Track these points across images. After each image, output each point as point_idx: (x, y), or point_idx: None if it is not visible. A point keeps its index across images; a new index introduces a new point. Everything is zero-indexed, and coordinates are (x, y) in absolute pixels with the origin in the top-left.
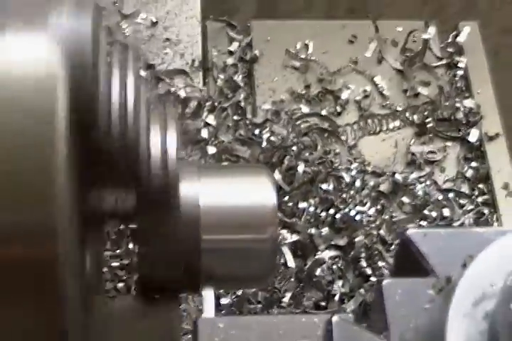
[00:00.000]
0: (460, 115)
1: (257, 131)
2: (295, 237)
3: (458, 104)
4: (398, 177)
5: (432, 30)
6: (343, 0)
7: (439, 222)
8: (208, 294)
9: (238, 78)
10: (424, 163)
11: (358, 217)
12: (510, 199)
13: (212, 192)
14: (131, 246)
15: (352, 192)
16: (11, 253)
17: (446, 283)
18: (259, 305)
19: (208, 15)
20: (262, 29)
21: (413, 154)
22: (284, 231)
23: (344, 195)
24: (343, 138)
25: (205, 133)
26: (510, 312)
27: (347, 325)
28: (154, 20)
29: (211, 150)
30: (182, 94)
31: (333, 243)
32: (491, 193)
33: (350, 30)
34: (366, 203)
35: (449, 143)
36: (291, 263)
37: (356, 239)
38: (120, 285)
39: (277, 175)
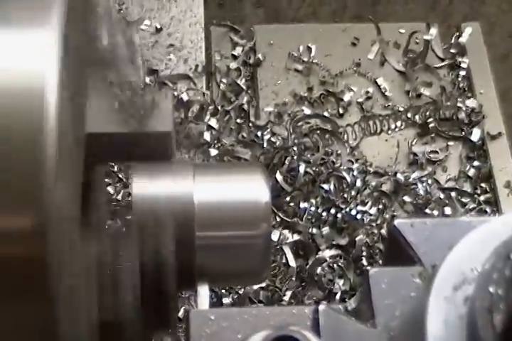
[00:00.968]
0: (462, 115)
1: (259, 133)
2: (296, 237)
3: (460, 104)
4: (400, 176)
5: (433, 31)
6: (350, 7)
7: None
8: (203, 289)
9: (241, 82)
10: (426, 162)
11: (359, 217)
12: None
13: (207, 190)
14: None
15: (353, 192)
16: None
17: (432, 272)
18: (261, 304)
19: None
20: (265, 33)
21: (415, 154)
22: (285, 231)
23: (345, 195)
24: (345, 139)
25: (207, 137)
26: (488, 296)
27: (333, 313)
28: (158, 26)
29: (213, 152)
30: (185, 97)
31: (334, 242)
32: (493, 192)
33: (352, 33)
34: (367, 203)
35: (451, 143)
36: (292, 262)
37: (357, 238)
38: None
39: (279, 176)
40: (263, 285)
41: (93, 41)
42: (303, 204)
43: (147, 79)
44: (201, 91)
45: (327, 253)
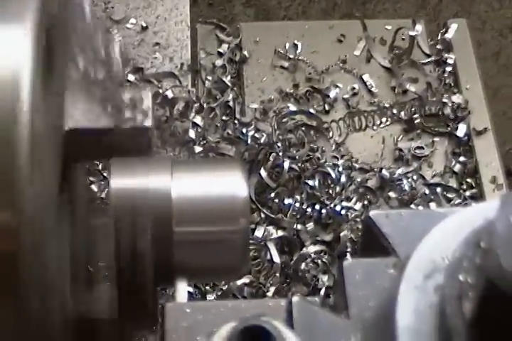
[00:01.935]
0: (448, 110)
1: (244, 130)
2: (281, 233)
3: (446, 100)
4: (385, 172)
5: (419, 27)
6: (340, 5)
7: None
8: (181, 284)
9: (227, 79)
10: (411, 158)
11: (343, 212)
12: (499, 192)
13: (184, 185)
14: None
15: (338, 188)
16: None
17: (403, 262)
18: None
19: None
20: (251, 30)
21: (401, 150)
22: (270, 228)
23: (330, 191)
24: (330, 135)
25: (192, 134)
26: (458, 284)
27: (307, 305)
28: (144, 25)
29: (198, 149)
30: (169, 94)
31: (319, 238)
32: (479, 187)
33: (338, 30)
34: (352, 199)
35: (437, 139)
36: (277, 258)
37: (342, 234)
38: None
39: (263, 172)
40: (247, 281)
41: (69, 37)
42: (287, 201)
43: (132, 78)
44: (186, 89)
45: (311, 249)
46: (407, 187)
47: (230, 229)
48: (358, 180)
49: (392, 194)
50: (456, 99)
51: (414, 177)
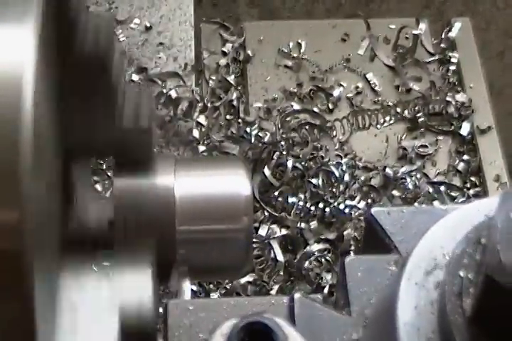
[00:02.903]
0: (452, 109)
1: (248, 129)
2: (285, 232)
3: (449, 99)
4: (389, 171)
5: (422, 26)
6: (344, 5)
7: None
8: (184, 282)
9: (231, 78)
10: (415, 157)
11: (347, 211)
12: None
13: (187, 184)
14: None
15: (342, 186)
16: None
17: (404, 258)
18: None
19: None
20: (254, 30)
21: (404, 149)
22: (274, 226)
23: (334, 190)
24: (334, 134)
25: (196, 133)
26: (458, 281)
27: (308, 302)
28: (148, 25)
29: (201, 148)
30: (173, 94)
31: (322, 237)
32: (483, 185)
33: (342, 29)
34: (356, 197)
35: (440, 137)
36: (280, 257)
37: (345, 233)
38: None
39: (267, 171)
40: (251, 279)
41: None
42: (291, 199)
43: (136, 77)
44: (190, 89)
45: (315, 248)
46: (410, 186)
47: (233, 228)
48: (362, 178)
49: (395, 192)
50: (460, 97)
51: (418, 176)
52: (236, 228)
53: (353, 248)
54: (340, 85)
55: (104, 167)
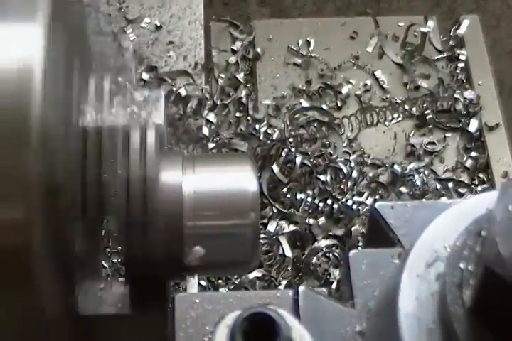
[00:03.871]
0: (460, 106)
1: (257, 126)
2: (293, 228)
3: (458, 96)
4: (397, 168)
5: (431, 24)
6: (354, 4)
7: None
8: (192, 277)
9: (240, 76)
10: (423, 153)
11: (354, 207)
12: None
13: (195, 180)
14: None
15: (350, 183)
16: None
17: (406, 251)
18: None
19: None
20: (264, 28)
21: (413, 145)
22: (282, 222)
23: (342, 186)
24: (342, 131)
25: (206, 131)
26: (459, 272)
27: (313, 294)
28: (158, 24)
29: (211, 145)
30: (183, 92)
31: (330, 233)
32: (491, 182)
33: (351, 27)
34: (364, 194)
35: (448, 134)
36: (289, 252)
37: (353, 229)
38: (121, 279)
39: (275, 168)
40: (259, 275)
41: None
42: (299, 196)
43: (146, 76)
44: (200, 87)
45: (323, 243)
46: (418, 183)
47: (240, 223)
48: (370, 175)
49: (403, 189)
50: (468, 94)
51: (426, 173)
52: (243, 223)
53: (360, 244)
54: (349, 82)
55: None
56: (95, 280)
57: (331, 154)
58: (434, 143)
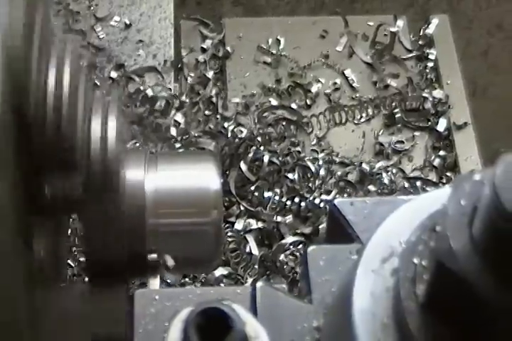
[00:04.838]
0: (428, 105)
1: (226, 124)
2: (261, 226)
3: (426, 95)
4: (365, 166)
5: (400, 23)
6: (328, 4)
7: None
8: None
9: (210, 74)
10: (392, 152)
11: (322, 205)
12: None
13: (158, 178)
14: None
15: (318, 181)
16: None
17: (362, 246)
18: None
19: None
20: (234, 26)
21: (381, 144)
22: (249, 220)
23: (310, 185)
24: (311, 129)
25: (174, 131)
26: (412, 267)
27: (271, 290)
28: (128, 22)
29: (178, 144)
30: (149, 93)
31: (298, 231)
32: None
33: (321, 26)
34: (332, 192)
35: (417, 133)
36: (256, 250)
37: (320, 227)
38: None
39: (243, 166)
40: (225, 272)
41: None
42: (267, 194)
43: (114, 74)
44: (168, 86)
45: (290, 240)
46: (386, 181)
47: (202, 221)
48: (338, 173)
49: (371, 187)
50: (437, 94)
51: (394, 171)
52: (205, 221)
53: None
54: (319, 81)
55: None
56: (58, 279)
57: (299, 152)
58: (402, 141)
